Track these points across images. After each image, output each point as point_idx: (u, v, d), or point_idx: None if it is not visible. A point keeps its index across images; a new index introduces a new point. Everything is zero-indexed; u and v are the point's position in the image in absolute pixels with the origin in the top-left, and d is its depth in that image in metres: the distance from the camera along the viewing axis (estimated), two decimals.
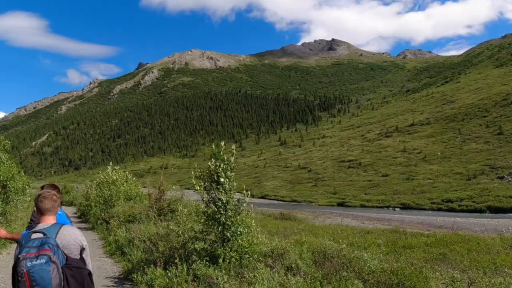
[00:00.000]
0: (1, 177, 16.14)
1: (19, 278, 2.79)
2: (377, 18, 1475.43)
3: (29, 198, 29.47)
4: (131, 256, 10.20)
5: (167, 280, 7.48)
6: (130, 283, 8.83)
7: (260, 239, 8.17)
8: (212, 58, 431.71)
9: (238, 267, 7.24)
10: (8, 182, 17.09)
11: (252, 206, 8.28)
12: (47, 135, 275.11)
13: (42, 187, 3.64)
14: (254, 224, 8.05)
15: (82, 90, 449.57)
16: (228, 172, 7.87)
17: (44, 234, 3.01)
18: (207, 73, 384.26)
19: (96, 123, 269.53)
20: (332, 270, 7.21)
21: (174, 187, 16.55)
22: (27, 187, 25.15)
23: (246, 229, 7.79)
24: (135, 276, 8.21)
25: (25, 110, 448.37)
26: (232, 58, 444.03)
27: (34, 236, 2.99)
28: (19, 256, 2.87)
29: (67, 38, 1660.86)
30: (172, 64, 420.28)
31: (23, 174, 25.22)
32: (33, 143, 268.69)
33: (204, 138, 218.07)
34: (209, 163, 7.90)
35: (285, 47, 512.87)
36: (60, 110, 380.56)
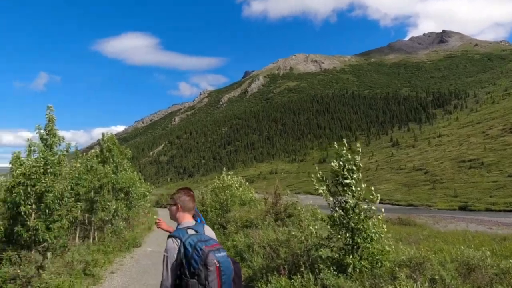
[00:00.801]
0: (125, 184, 16.91)
1: (208, 267, 2.96)
2: (491, 4, 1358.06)
3: (149, 204, 31.03)
4: (252, 263, 9.90)
5: None
6: None
7: (393, 246, 7.35)
8: (316, 61, 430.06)
9: (371, 278, 6.51)
10: (130, 189, 17.93)
11: (382, 210, 7.47)
12: (163, 145, 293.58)
13: (178, 190, 3.67)
14: (385, 229, 7.26)
15: (193, 101, 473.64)
16: (355, 173, 7.18)
17: (196, 231, 3.25)
18: (312, 77, 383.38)
19: (207, 132, 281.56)
20: (483, 284, 6.17)
21: (286, 192, 16.13)
22: (147, 193, 26.55)
23: (377, 235, 7.04)
24: (260, 285, 7.82)
25: (142, 122, 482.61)
26: (337, 59, 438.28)
27: (189, 231, 3.23)
28: (202, 248, 3.03)
29: (177, 53, 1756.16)
30: (277, 70, 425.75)
31: (143, 181, 26.67)
32: (151, 152, 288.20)
33: (312, 142, 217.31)
34: (333, 164, 7.28)
35: (391, 43, 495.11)
36: (174, 121, 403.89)
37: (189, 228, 3.28)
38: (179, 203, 3.45)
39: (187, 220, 3.42)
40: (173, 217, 3.51)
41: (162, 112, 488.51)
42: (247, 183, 23.38)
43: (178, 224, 3.43)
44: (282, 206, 14.12)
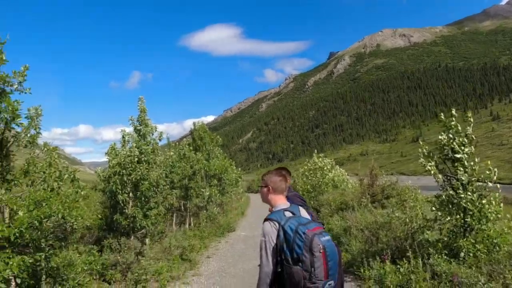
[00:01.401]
0: (217, 170, 17.14)
1: (314, 253, 2.77)
2: None
3: (241, 190, 31.47)
4: (350, 247, 9.46)
5: (399, 277, 6.40)
6: (352, 277, 8.06)
7: None
8: (404, 35, 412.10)
9: (488, 264, 5.77)
10: (222, 175, 18.16)
11: (498, 186, 6.64)
12: (251, 132, 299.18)
13: (269, 171, 3.43)
14: (502, 209, 6.44)
15: (279, 86, 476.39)
16: (466, 146, 6.41)
17: (293, 213, 3.03)
18: (401, 52, 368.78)
19: (294, 116, 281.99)
20: None
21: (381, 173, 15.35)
22: (239, 179, 26.98)
23: (493, 216, 6.25)
24: (362, 271, 7.38)
25: (231, 111, 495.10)
26: (427, 31, 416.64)
27: (287, 214, 3.01)
28: (305, 232, 2.82)
29: (260, 41, 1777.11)
30: (363, 48, 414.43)
31: (234, 167, 27.14)
32: (240, 140, 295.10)
33: (404, 121, 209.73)
34: (440, 137, 6.57)
35: (486, 9, 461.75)
36: (261, 107, 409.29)
37: (285, 210, 3.05)
38: (270, 184, 3.24)
39: (281, 202, 3.19)
40: (265, 199, 3.31)
41: (249, 99, 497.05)
42: (337, 166, 22.87)
43: (273, 207, 3.20)
44: (380, 187, 13.44)
